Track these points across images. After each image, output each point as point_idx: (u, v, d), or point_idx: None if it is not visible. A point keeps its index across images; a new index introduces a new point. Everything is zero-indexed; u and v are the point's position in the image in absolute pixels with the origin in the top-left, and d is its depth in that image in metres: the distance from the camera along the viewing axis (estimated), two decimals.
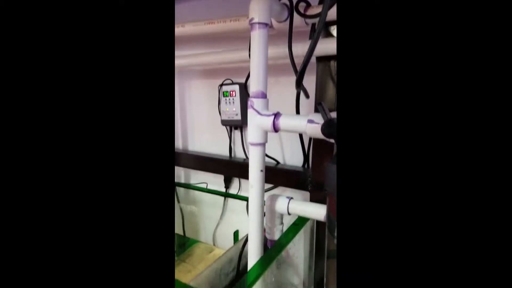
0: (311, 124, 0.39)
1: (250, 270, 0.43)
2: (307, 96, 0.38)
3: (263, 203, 0.47)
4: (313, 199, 0.60)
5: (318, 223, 0.59)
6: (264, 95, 0.44)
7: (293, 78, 0.41)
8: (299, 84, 0.36)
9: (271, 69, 0.44)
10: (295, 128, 0.41)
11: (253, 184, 0.45)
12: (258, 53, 0.41)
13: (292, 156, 0.72)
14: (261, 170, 0.46)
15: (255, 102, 0.43)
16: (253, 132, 0.44)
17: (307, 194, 0.62)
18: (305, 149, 0.66)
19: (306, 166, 0.67)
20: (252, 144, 0.45)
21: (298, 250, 0.56)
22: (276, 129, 0.43)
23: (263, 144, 0.45)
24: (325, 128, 0.35)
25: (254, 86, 0.43)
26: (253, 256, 0.46)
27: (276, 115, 0.43)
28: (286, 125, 0.42)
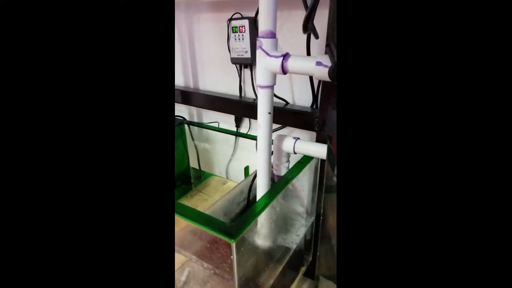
0: (319, 67, 0.39)
1: (258, 200, 0.48)
2: (316, 37, 0.37)
3: (270, 142, 0.50)
4: (319, 139, 0.63)
5: (322, 162, 0.62)
6: (273, 35, 0.42)
7: None
8: (306, 28, 0.34)
9: (283, 1, 0.41)
10: (304, 70, 0.41)
11: (261, 124, 0.48)
12: None
13: (301, 96, 0.72)
14: (269, 113, 0.47)
15: (263, 43, 0.42)
16: (261, 74, 0.44)
17: (314, 134, 0.65)
18: (314, 89, 0.65)
19: (314, 106, 0.68)
20: (261, 87, 0.45)
21: (303, 185, 0.62)
22: (284, 71, 0.43)
23: (271, 87, 0.46)
24: (332, 71, 0.35)
25: (262, 25, 0.42)
26: (261, 189, 0.52)
27: (285, 56, 0.42)
28: (294, 67, 0.42)
